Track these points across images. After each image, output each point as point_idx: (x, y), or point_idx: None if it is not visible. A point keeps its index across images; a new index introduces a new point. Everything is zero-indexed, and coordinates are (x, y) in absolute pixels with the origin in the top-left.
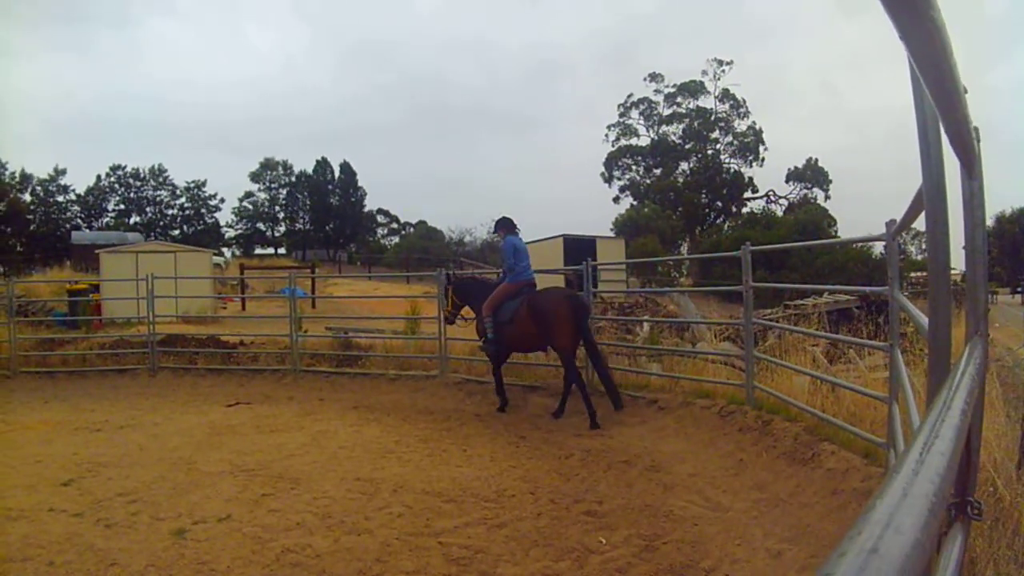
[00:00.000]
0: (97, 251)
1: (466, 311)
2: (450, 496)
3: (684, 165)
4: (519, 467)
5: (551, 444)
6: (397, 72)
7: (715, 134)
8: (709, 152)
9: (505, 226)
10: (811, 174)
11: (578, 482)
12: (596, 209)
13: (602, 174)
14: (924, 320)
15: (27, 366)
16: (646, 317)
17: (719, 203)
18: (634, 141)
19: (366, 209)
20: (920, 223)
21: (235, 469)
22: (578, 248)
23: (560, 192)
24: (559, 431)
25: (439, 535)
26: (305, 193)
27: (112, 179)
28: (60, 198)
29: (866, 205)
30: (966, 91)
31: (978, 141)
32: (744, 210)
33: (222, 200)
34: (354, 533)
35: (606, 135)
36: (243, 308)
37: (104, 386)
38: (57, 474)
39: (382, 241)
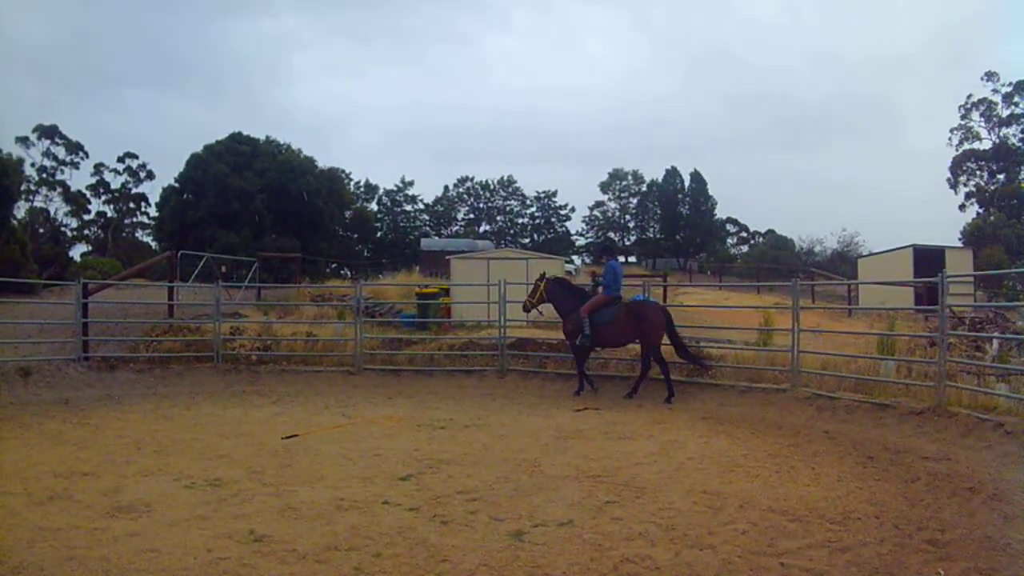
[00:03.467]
0: (448, 257)
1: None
2: (795, 515)
3: None
4: (865, 488)
5: (898, 466)
6: (738, 81)
7: None
8: None
9: (608, 251)
10: None
11: (922, 508)
12: (942, 217)
13: (948, 180)
14: None
15: (372, 364)
16: (995, 334)
17: None
18: (976, 145)
19: (716, 218)
20: None
21: (580, 474)
22: (927, 259)
23: (904, 199)
24: (906, 452)
25: (781, 556)
26: (655, 202)
27: (460, 189)
28: (408, 207)
29: None
30: None
31: None
32: None
33: (572, 209)
34: (696, 548)
35: (949, 139)
36: None
37: (451, 385)
38: (396, 468)
39: (731, 250)
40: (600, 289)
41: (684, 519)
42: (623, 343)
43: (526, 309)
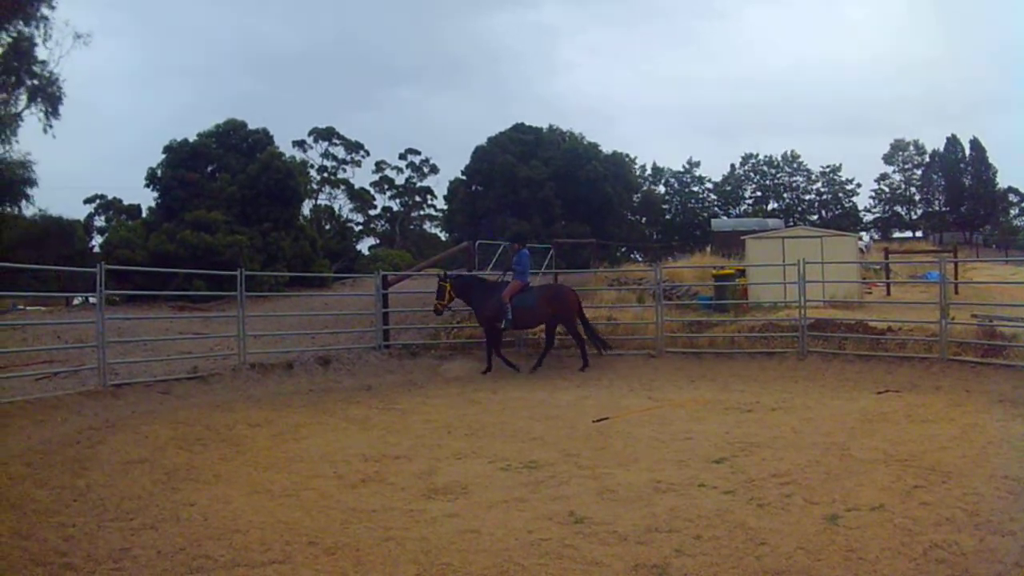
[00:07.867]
0: (742, 237)
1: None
2: None
3: None
4: None
5: None
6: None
7: None
8: None
9: (520, 241)
10: None
11: None
12: None
13: None
14: None
15: (672, 347)
16: None
17: None
18: None
19: (998, 187)
20: None
21: (888, 458)
22: None
23: None
24: None
25: None
26: (938, 173)
27: (746, 167)
28: (695, 188)
29: None
30: None
31: None
32: None
33: (858, 184)
34: (999, 534)
35: None
36: (887, 293)
37: (752, 368)
38: (708, 451)
39: (1014, 222)
40: (511, 276)
41: (987, 505)
42: (538, 324)
43: (438, 312)
